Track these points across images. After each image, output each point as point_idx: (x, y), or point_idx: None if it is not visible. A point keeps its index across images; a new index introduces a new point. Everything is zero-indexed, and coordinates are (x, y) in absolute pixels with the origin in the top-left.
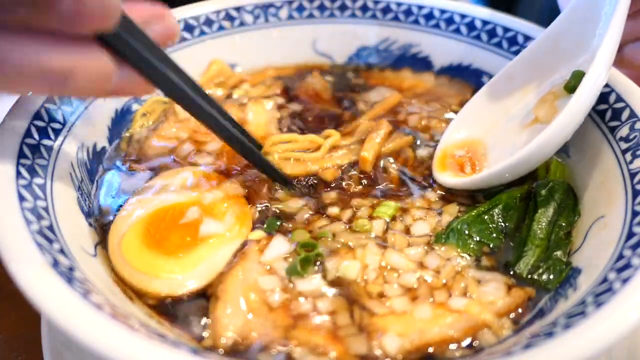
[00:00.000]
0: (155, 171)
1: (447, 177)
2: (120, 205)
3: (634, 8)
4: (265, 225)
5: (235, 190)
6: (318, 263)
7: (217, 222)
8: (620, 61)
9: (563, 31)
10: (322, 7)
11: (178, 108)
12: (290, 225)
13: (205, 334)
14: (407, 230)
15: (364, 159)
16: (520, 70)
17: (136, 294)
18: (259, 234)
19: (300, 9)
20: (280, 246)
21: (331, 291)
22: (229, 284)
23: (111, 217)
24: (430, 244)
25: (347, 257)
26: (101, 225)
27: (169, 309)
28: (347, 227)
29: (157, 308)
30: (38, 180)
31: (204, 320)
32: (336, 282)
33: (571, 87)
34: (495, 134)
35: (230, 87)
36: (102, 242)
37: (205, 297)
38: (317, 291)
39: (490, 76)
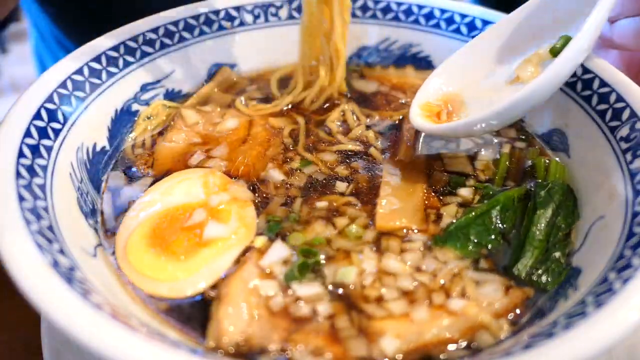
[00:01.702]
0: (163, 175)
1: (426, 123)
2: (127, 208)
3: None
4: (267, 230)
5: (242, 193)
6: (315, 269)
7: (222, 225)
8: (609, 41)
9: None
10: None
11: (185, 112)
12: (291, 229)
13: (207, 335)
14: (404, 234)
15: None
16: (509, 30)
17: (140, 296)
18: (263, 238)
19: (301, 8)
20: (280, 251)
21: (330, 295)
22: (232, 286)
23: (116, 220)
24: (427, 247)
25: (344, 263)
26: (104, 227)
27: (172, 311)
28: (338, 233)
29: (160, 310)
30: (38, 180)
31: (206, 323)
32: (334, 287)
33: (557, 51)
34: (476, 88)
35: (235, 92)
36: (103, 243)
37: (208, 299)
38: (315, 295)
39: None
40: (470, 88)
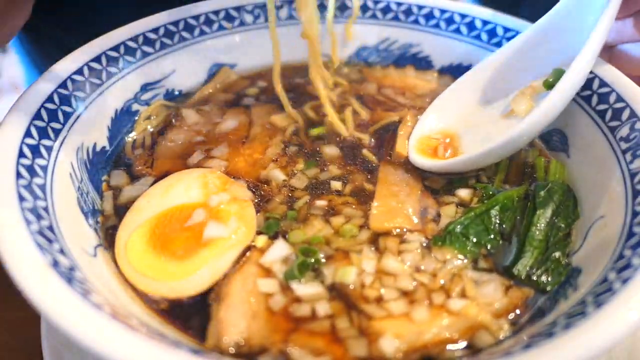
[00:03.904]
0: (163, 175)
1: (424, 159)
2: (127, 208)
3: (632, 9)
4: (266, 228)
5: (242, 193)
6: (315, 268)
7: (222, 226)
8: (609, 60)
9: (552, 28)
10: (322, 7)
11: (185, 112)
12: (290, 227)
13: (207, 335)
14: (400, 234)
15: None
16: (504, 62)
17: (140, 296)
18: (263, 238)
19: None
20: (281, 248)
21: (329, 295)
22: (232, 287)
23: (116, 220)
24: (426, 247)
25: (344, 263)
26: (104, 227)
27: (172, 312)
28: (335, 232)
29: (160, 310)
30: (38, 180)
31: (206, 323)
32: (334, 287)
33: (550, 84)
34: (471, 121)
35: (235, 92)
36: (103, 243)
37: (208, 299)
38: (315, 295)
39: None
40: (466, 120)
